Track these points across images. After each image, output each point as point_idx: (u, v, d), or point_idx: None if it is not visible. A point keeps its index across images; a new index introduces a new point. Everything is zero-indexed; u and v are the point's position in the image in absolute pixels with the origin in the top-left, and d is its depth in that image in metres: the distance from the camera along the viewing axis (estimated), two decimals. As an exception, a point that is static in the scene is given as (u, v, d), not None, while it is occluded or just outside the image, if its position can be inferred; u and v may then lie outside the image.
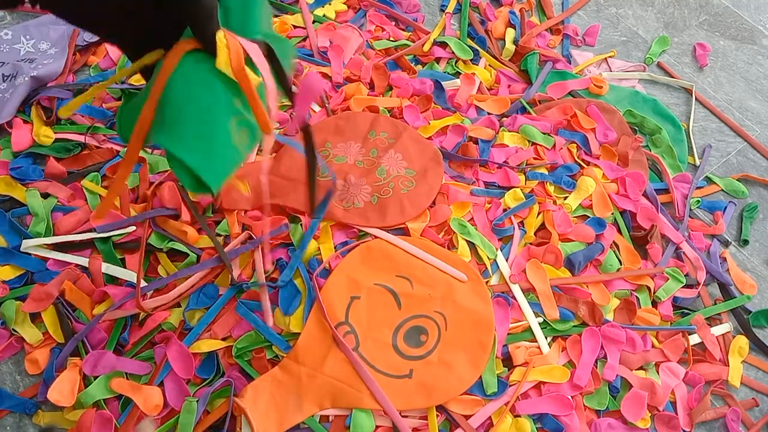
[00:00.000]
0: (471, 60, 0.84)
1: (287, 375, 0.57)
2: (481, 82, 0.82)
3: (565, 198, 0.72)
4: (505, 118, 0.79)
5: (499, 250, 0.67)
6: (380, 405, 0.56)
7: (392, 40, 0.85)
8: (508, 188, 0.72)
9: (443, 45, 0.85)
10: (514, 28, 0.89)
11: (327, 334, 0.59)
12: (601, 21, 0.94)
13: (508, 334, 0.62)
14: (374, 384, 0.56)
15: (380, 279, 0.63)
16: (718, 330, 0.66)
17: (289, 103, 0.76)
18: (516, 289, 0.65)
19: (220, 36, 0.39)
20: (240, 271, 0.63)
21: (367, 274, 0.63)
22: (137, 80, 0.77)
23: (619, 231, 0.71)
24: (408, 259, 0.64)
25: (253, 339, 0.59)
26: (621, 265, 0.68)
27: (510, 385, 0.59)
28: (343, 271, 0.62)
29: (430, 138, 0.75)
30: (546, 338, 0.63)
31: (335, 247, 0.65)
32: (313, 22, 0.85)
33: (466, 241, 0.67)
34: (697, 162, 0.79)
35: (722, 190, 0.78)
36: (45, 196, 0.67)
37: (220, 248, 0.62)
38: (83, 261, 0.63)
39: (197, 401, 0.55)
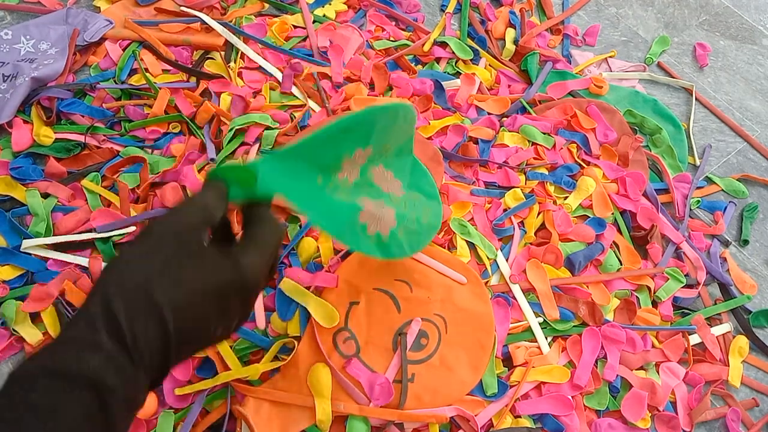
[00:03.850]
0: (471, 60, 0.84)
1: (288, 382, 0.57)
2: (481, 82, 0.81)
3: (565, 198, 0.72)
4: (505, 118, 0.79)
5: (499, 250, 0.67)
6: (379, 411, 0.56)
7: (392, 40, 0.85)
8: (508, 188, 0.72)
9: (443, 45, 0.85)
10: (514, 28, 0.88)
11: (327, 340, 0.59)
12: (601, 21, 0.94)
13: (508, 334, 0.62)
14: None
15: (379, 283, 0.62)
16: (718, 330, 0.66)
17: (289, 103, 0.76)
18: (516, 289, 0.65)
19: None
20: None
21: (366, 279, 0.62)
22: (137, 80, 0.77)
23: (619, 231, 0.71)
24: (406, 262, 0.64)
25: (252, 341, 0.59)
26: (621, 265, 0.68)
27: (510, 386, 0.59)
28: (341, 277, 0.62)
29: (430, 138, 0.75)
30: (546, 338, 0.63)
31: (335, 251, 0.65)
32: (313, 22, 0.85)
33: (466, 241, 0.67)
34: (697, 162, 0.79)
35: (722, 190, 0.78)
36: (45, 196, 0.67)
37: None
38: (83, 261, 0.63)
39: (173, 411, 0.55)
